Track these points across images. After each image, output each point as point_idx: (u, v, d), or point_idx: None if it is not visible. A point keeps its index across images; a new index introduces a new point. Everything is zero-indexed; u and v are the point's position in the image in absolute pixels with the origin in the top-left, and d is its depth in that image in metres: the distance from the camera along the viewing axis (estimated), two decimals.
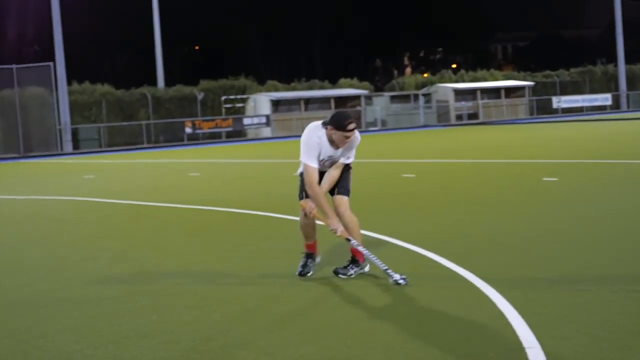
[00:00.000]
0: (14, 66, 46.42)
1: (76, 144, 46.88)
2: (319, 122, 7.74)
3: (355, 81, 60.86)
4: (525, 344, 5.35)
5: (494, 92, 60.38)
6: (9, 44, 69.65)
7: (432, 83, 61.79)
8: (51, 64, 45.89)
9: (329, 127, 7.54)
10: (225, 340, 5.78)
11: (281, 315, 6.41)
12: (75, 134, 47.16)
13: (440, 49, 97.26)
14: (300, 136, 7.70)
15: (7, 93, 46.55)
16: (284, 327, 6.07)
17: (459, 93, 58.41)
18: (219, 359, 5.37)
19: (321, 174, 7.64)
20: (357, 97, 55.28)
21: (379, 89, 70.62)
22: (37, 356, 5.61)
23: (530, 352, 5.18)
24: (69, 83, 48.50)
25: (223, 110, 53.51)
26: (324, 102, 54.40)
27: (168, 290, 7.56)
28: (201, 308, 6.79)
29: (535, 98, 62.01)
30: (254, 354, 5.41)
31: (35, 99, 46.75)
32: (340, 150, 7.62)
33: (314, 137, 7.56)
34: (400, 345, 5.47)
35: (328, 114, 52.80)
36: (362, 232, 7.87)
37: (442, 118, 57.30)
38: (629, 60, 67.61)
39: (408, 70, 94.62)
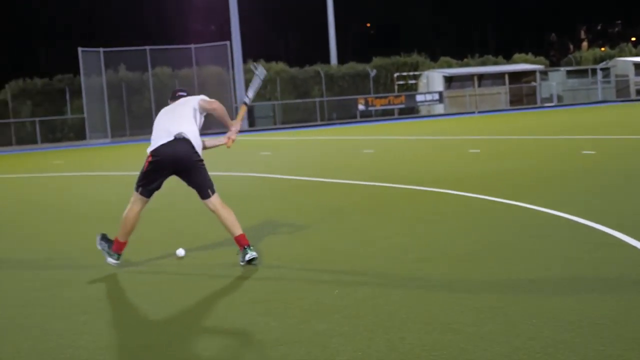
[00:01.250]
0: (192, 46, 47.86)
1: (252, 122, 47.92)
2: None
3: (529, 56, 59.61)
4: None
5: None
6: (188, 23, 71.80)
7: (611, 57, 59.71)
8: (228, 42, 47.05)
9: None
10: (406, 316, 5.74)
11: (465, 291, 6.33)
12: (250, 111, 48.16)
13: (619, 21, 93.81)
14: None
15: (186, 72, 48.09)
16: (466, 303, 5.97)
17: None
18: (402, 332, 5.33)
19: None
20: (531, 73, 54.10)
21: (554, 64, 68.86)
22: (226, 326, 5.73)
23: None
24: (245, 61, 49.55)
25: (396, 87, 53.46)
26: (497, 77, 53.50)
27: (348, 266, 7.58)
28: (380, 285, 6.76)
29: None
30: (438, 331, 5.35)
31: (213, 77, 48.10)
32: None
33: None
34: (588, 325, 5.29)
35: (502, 90, 52.29)
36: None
37: (621, 93, 55.31)
38: None
39: (584, 44, 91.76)
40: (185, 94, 8.58)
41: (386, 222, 10.15)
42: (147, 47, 47.03)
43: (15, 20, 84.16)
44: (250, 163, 21.08)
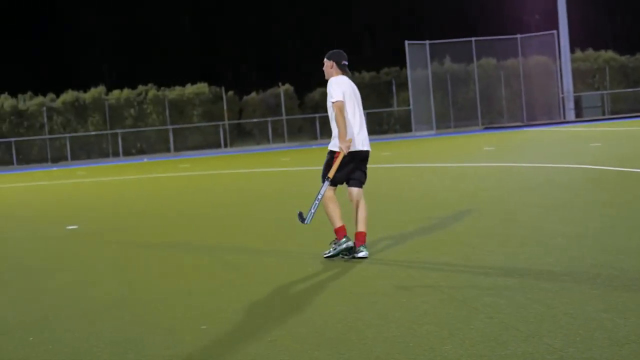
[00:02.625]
0: (518, 36, 47.32)
1: (578, 112, 46.59)
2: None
3: None
4: None
5: None
6: (512, 13, 71.06)
7: None
8: (554, 32, 46.02)
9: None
10: None
11: None
12: (577, 101, 46.87)
13: None
14: None
15: (511, 62, 47.65)
16: None
17: None
18: None
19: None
20: None
21: None
22: (568, 323, 5.55)
23: None
24: (572, 50, 48.23)
25: None
26: None
27: None
28: None
29: None
30: None
31: (539, 67, 47.30)
32: None
33: None
34: None
35: None
36: None
37: None
38: None
39: None
40: (347, 62, 8.80)
41: None
42: (473, 39, 47.09)
43: (338, 16, 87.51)
44: (578, 154, 20.44)
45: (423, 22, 79.99)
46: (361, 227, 8.52)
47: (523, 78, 47.24)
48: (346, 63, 8.74)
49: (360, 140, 8.55)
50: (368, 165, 8.75)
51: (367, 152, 8.63)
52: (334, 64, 8.72)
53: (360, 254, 8.38)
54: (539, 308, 5.97)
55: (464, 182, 16.11)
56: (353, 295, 6.81)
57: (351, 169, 8.58)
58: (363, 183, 8.70)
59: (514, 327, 5.53)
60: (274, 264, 8.61)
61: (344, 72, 8.74)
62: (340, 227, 8.46)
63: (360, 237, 8.51)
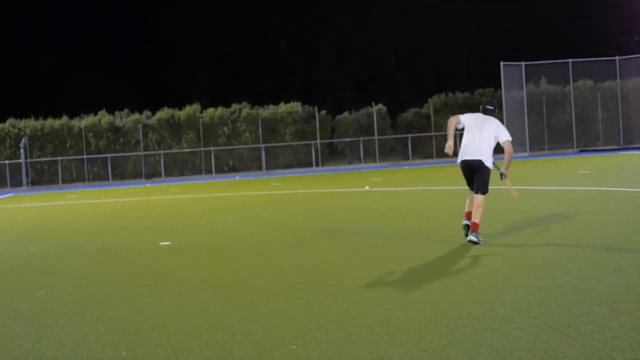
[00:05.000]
0: (616, 57, 46.48)
1: None
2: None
3: None
4: None
5: None
6: (609, 34, 69.85)
7: None
8: None
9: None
10: None
11: None
12: None
13: None
14: None
15: (609, 84, 46.81)
16: None
17: None
18: None
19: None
20: None
21: None
22: None
23: None
24: None
25: None
26: None
27: None
28: None
29: None
30: None
31: (638, 90, 46.36)
32: None
33: None
34: None
35: None
36: None
37: None
38: None
39: None
40: (491, 107, 11.50)
41: None
42: (570, 60, 46.41)
43: (432, 37, 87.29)
44: None
45: (519, 43, 79.18)
46: (473, 219, 10.95)
47: (621, 100, 46.32)
48: (488, 107, 11.48)
49: (468, 151, 11.27)
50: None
51: (472, 160, 11.24)
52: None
53: (468, 238, 10.93)
54: (634, 337, 5.81)
55: (559, 205, 15.82)
56: (445, 319, 6.73)
57: (467, 175, 11.44)
58: (480, 190, 11.14)
59: (609, 355, 5.40)
60: (372, 286, 8.56)
61: (482, 112, 11.54)
62: (467, 212, 11.38)
63: (472, 226, 10.87)
